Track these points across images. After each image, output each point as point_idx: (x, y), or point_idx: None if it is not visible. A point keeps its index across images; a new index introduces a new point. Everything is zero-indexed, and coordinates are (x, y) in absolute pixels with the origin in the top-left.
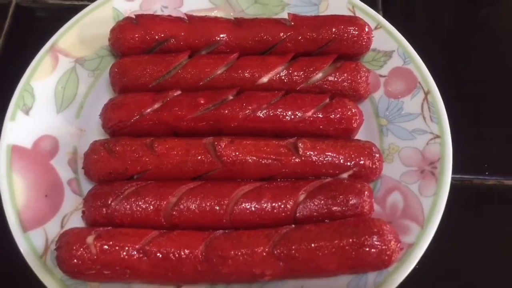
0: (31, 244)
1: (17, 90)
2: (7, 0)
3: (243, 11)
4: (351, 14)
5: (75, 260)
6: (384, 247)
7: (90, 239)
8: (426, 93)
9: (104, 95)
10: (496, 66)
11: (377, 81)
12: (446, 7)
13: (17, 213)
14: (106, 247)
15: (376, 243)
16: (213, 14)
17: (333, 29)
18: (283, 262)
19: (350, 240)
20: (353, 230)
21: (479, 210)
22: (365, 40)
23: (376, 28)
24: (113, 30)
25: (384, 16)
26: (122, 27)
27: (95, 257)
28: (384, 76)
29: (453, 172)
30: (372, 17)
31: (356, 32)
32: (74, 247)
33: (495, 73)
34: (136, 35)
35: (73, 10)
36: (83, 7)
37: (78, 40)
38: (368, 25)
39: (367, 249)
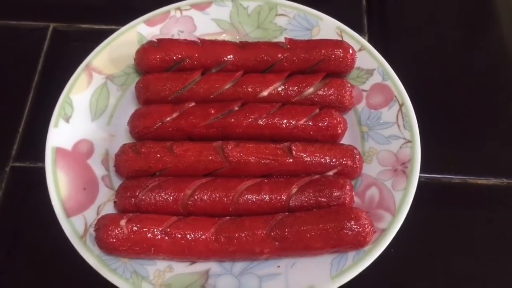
0: (73, 227)
1: (59, 102)
2: (45, 24)
3: (247, 34)
4: (339, 38)
5: (111, 239)
6: (360, 230)
7: (122, 222)
8: (401, 105)
9: (130, 106)
10: (460, 82)
11: (360, 95)
12: (420, 33)
13: (61, 202)
14: (135, 228)
15: (353, 226)
16: (222, 37)
17: (323, 51)
18: (278, 242)
19: (333, 224)
20: (335, 216)
21: (446, 203)
22: (349, 60)
23: (360, 50)
24: (138, 52)
25: (369, 39)
26: (146, 49)
27: (127, 236)
28: (366, 91)
29: (424, 171)
30: (357, 40)
31: (342, 54)
32: (110, 228)
33: (460, 88)
34: (158, 56)
35: (102, 33)
36: (111, 30)
37: (109, 60)
38: (352, 47)
39: (346, 231)
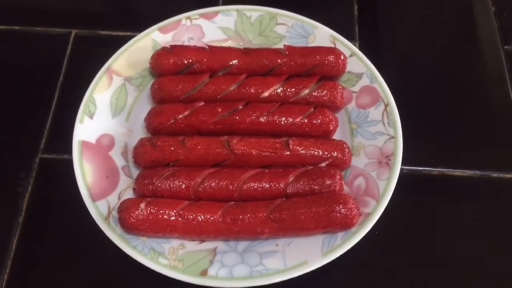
0: (98, 210)
1: (84, 101)
2: (68, 31)
3: (250, 41)
4: (332, 45)
5: (132, 220)
6: (347, 213)
7: (142, 205)
8: (386, 105)
9: (146, 104)
10: (440, 85)
11: (350, 96)
12: (406, 41)
13: (87, 189)
14: (153, 210)
15: (342, 210)
16: (227, 43)
17: (317, 57)
18: (276, 224)
19: (324, 208)
20: (326, 201)
21: (425, 192)
22: (341, 65)
23: (350, 55)
24: (153, 57)
25: (359, 46)
26: (160, 55)
27: (146, 217)
28: (356, 92)
29: (407, 164)
30: (348, 47)
31: (334, 59)
32: (131, 210)
33: (440, 90)
34: (170, 61)
35: (119, 39)
36: (127, 37)
37: (127, 64)
38: (343, 54)
39: (335, 214)
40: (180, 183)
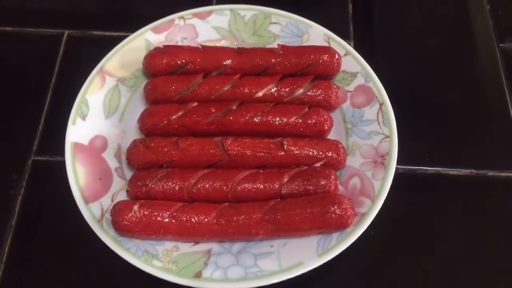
0: (91, 212)
1: (76, 102)
2: (60, 31)
3: (244, 41)
4: (327, 44)
5: (125, 222)
6: (342, 213)
7: (135, 207)
8: (381, 104)
9: (139, 105)
10: (435, 84)
11: (345, 95)
12: (401, 39)
13: (80, 191)
14: (146, 212)
15: (337, 210)
16: (221, 43)
17: (312, 56)
18: (271, 225)
19: (319, 208)
20: (321, 201)
21: (421, 192)
22: (335, 64)
23: (345, 55)
24: (146, 57)
25: (354, 45)
26: (153, 55)
27: (139, 219)
28: (351, 91)
29: (402, 163)
30: (342, 46)
31: (329, 59)
32: (124, 212)
33: (435, 89)
34: (164, 61)
35: (112, 40)
36: (120, 37)
37: (120, 64)
38: (338, 53)
39: (330, 214)
40: (174, 185)
